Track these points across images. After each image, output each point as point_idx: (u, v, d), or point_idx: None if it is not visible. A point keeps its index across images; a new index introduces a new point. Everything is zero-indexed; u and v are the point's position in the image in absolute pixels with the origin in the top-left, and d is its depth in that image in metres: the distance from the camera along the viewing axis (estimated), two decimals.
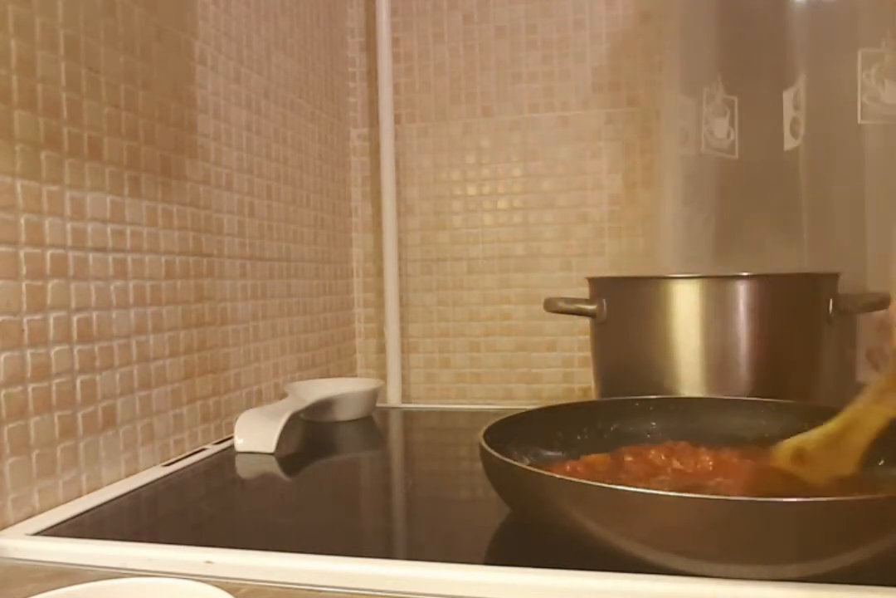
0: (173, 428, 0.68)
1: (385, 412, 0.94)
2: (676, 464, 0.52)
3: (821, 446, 0.43)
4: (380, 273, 1.10)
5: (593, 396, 0.86)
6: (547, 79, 1.04)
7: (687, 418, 0.60)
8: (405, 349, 1.09)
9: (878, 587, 0.35)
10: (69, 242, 0.55)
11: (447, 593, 0.39)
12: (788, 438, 0.56)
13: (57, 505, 0.53)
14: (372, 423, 0.87)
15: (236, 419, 0.72)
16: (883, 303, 0.68)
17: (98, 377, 0.58)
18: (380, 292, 1.10)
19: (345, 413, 0.85)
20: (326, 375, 1.02)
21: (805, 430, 0.56)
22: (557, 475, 0.41)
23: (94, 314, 0.58)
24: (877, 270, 0.79)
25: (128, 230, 0.62)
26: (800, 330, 0.68)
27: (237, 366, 0.79)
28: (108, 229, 0.60)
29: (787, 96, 0.87)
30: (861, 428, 0.41)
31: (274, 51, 0.88)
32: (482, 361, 1.07)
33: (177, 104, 0.69)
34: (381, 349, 1.11)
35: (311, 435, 0.80)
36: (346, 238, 1.11)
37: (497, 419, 0.53)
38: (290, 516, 0.53)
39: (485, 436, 0.48)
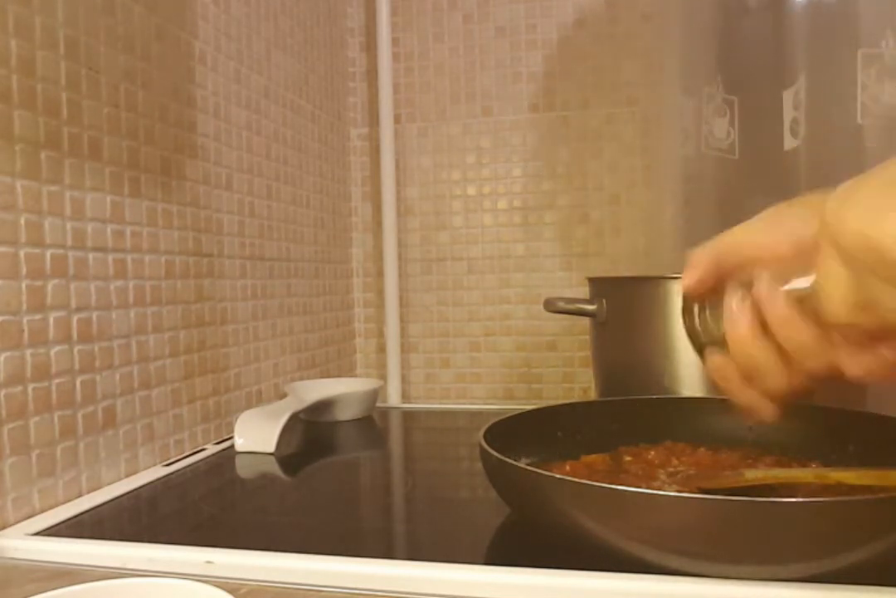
0: (173, 428, 0.68)
1: (385, 412, 0.94)
2: (676, 464, 0.52)
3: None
4: (380, 273, 1.10)
5: (593, 396, 0.86)
6: (547, 79, 1.04)
7: (687, 418, 0.60)
8: (405, 349, 1.09)
9: (878, 587, 0.35)
10: (69, 242, 0.55)
11: (447, 593, 0.39)
12: (788, 438, 0.56)
13: (57, 505, 0.53)
14: (372, 423, 0.87)
15: (236, 419, 0.72)
16: None
17: (98, 377, 0.58)
18: (380, 292, 1.10)
19: (345, 413, 0.85)
20: (326, 375, 1.02)
21: (804, 429, 0.56)
22: (557, 475, 0.41)
23: (94, 314, 0.58)
24: None
25: (128, 230, 0.62)
26: None
27: (237, 366, 0.79)
28: (108, 229, 0.60)
29: (787, 96, 0.87)
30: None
31: (274, 51, 0.88)
32: (482, 361, 1.07)
33: (177, 104, 0.69)
34: (381, 349, 1.11)
35: (311, 435, 0.80)
36: (346, 238, 1.11)
37: (497, 419, 0.53)
38: (290, 516, 0.53)
39: (485, 436, 0.48)
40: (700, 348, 0.39)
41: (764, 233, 0.36)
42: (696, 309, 0.39)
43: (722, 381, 0.37)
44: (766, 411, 0.36)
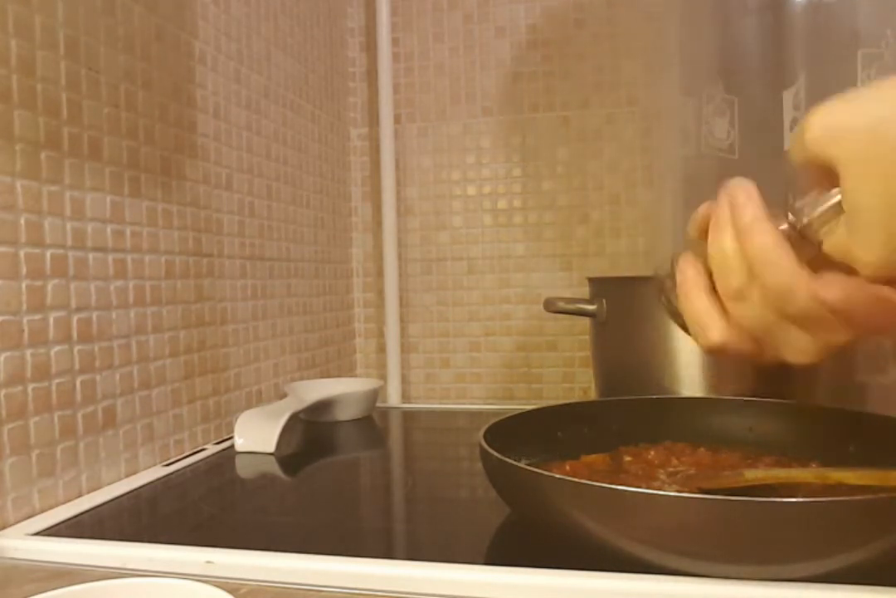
0: (173, 428, 0.68)
1: (385, 412, 0.94)
2: (676, 464, 0.52)
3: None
4: (380, 273, 1.10)
5: (593, 396, 0.86)
6: (547, 79, 1.04)
7: (687, 418, 0.60)
8: (405, 349, 1.09)
9: (878, 586, 0.35)
10: (69, 242, 0.55)
11: (447, 593, 0.39)
12: (788, 438, 0.56)
13: (57, 505, 0.53)
14: (372, 423, 0.87)
15: (236, 419, 0.72)
16: None
17: (98, 377, 0.58)
18: (380, 292, 1.10)
19: (345, 413, 0.85)
20: (326, 375, 1.02)
21: (804, 429, 0.56)
22: (557, 475, 0.41)
23: (94, 314, 0.58)
24: None
25: (128, 230, 0.62)
26: None
27: (237, 366, 0.79)
28: (108, 229, 0.60)
29: (787, 96, 0.87)
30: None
31: (274, 51, 0.88)
32: (482, 361, 1.07)
33: (177, 104, 0.69)
34: (381, 349, 1.11)
35: (311, 435, 0.80)
36: (346, 238, 1.11)
37: (497, 419, 0.53)
38: (290, 516, 0.53)
39: (485, 436, 0.48)
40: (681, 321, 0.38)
41: None
42: (666, 284, 0.38)
43: (685, 288, 0.34)
44: (716, 328, 0.33)
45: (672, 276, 0.37)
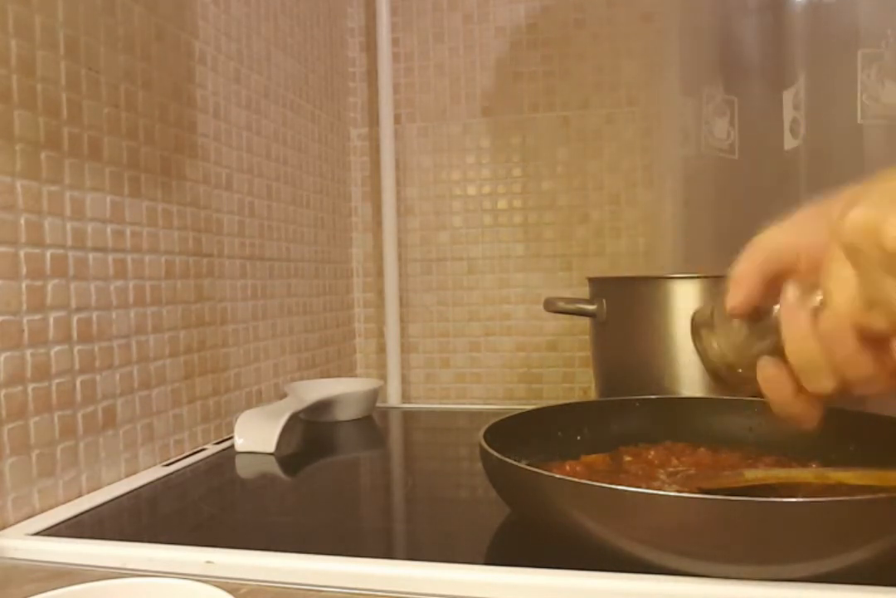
0: (173, 428, 0.68)
1: (385, 412, 0.94)
2: (676, 464, 0.52)
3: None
4: (380, 273, 1.10)
5: (593, 396, 0.86)
6: (547, 79, 1.04)
7: (687, 418, 0.60)
8: (405, 349, 1.09)
9: (878, 587, 0.35)
10: (69, 242, 0.55)
11: (447, 593, 0.39)
12: (788, 438, 0.56)
13: (57, 505, 0.53)
14: (372, 423, 0.87)
15: (236, 419, 0.72)
16: None
17: (98, 377, 0.58)
18: (380, 292, 1.10)
19: (345, 413, 0.85)
20: (326, 375, 1.02)
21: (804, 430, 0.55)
22: (557, 475, 0.41)
23: (94, 314, 0.58)
24: None
25: (128, 230, 0.62)
26: None
27: (237, 366, 0.79)
28: (108, 229, 0.60)
29: (787, 96, 0.87)
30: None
31: (274, 51, 0.88)
32: (482, 361, 1.07)
33: (177, 104, 0.69)
34: (381, 349, 1.11)
35: (311, 435, 0.80)
36: (346, 238, 1.11)
37: (497, 419, 0.53)
38: (290, 516, 0.53)
39: (485, 436, 0.48)
40: (718, 370, 0.39)
41: (798, 235, 0.36)
42: (703, 332, 0.39)
43: (774, 392, 0.36)
44: (814, 418, 0.36)
45: (710, 324, 0.38)
